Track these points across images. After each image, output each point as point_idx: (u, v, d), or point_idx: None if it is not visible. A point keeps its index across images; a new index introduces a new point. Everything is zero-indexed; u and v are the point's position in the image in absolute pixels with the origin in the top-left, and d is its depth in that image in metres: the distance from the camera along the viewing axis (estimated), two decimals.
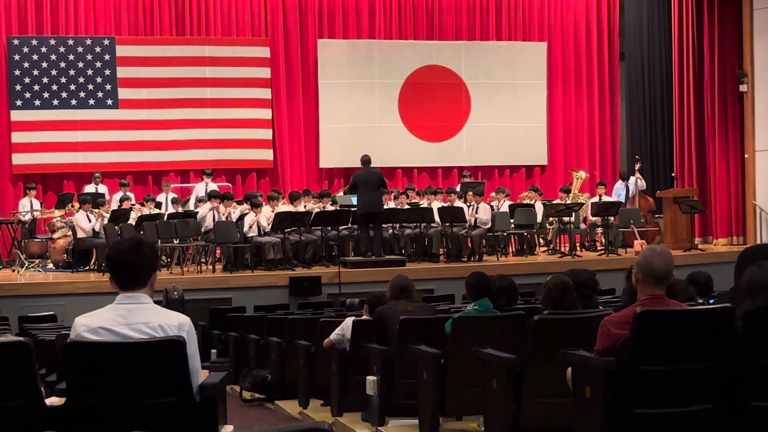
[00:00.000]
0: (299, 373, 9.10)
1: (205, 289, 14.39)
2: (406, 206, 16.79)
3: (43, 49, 18.68)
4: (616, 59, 21.96)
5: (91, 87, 18.94)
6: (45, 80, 18.68)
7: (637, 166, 18.91)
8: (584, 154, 21.66)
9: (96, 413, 4.07)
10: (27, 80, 18.60)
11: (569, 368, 4.84)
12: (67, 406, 4.15)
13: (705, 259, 16.13)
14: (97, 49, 18.97)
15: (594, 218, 17.70)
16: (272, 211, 15.58)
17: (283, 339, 9.84)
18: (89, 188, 17.75)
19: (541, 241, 18.05)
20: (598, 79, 21.74)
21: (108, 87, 19.03)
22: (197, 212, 15.96)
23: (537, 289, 10.39)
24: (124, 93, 19.09)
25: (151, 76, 19.23)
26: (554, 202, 17.75)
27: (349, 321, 8.07)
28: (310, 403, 8.94)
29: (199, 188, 17.99)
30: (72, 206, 16.59)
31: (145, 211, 16.29)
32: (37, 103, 18.64)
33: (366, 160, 15.46)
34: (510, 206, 17.12)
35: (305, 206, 16.23)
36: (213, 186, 17.61)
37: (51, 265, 16.22)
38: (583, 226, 17.88)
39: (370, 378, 7.11)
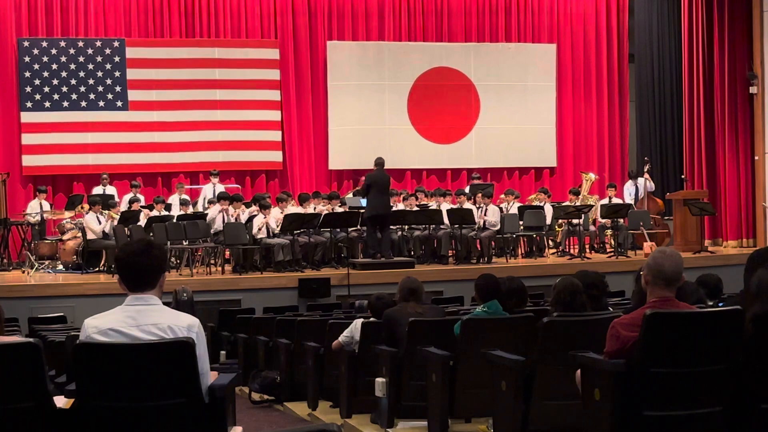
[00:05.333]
0: (308, 374, 9.10)
1: (215, 291, 14.41)
2: (415, 208, 16.79)
3: (53, 51, 18.73)
4: (626, 61, 21.93)
5: (100, 89, 18.99)
6: (55, 82, 18.74)
7: (646, 168, 18.89)
8: (593, 156, 21.64)
9: (105, 414, 4.08)
10: (37, 82, 18.65)
11: (578, 370, 4.83)
12: (76, 407, 4.16)
13: (715, 261, 16.10)
14: (107, 51, 19.02)
15: (603, 220, 17.68)
16: (281, 213, 15.59)
17: (292, 341, 9.84)
18: (97, 190, 17.81)
19: (550, 243, 18.03)
20: (607, 81, 21.71)
21: (118, 88, 19.07)
22: (206, 214, 16.00)
23: (546, 291, 10.38)
24: (133, 95, 19.14)
25: (161, 77, 19.28)
26: (563, 204, 17.73)
27: (358, 323, 8.07)
28: (319, 405, 8.94)
29: (207, 189, 18.03)
30: (82, 208, 16.63)
31: (155, 212, 16.32)
32: (47, 104, 18.69)
33: (380, 163, 15.43)
34: (519, 208, 17.13)
35: (314, 208, 16.24)
36: (220, 187, 17.64)
37: (61, 267, 16.27)
38: (592, 228, 17.86)
39: (379, 380, 7.11)
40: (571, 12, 21.58)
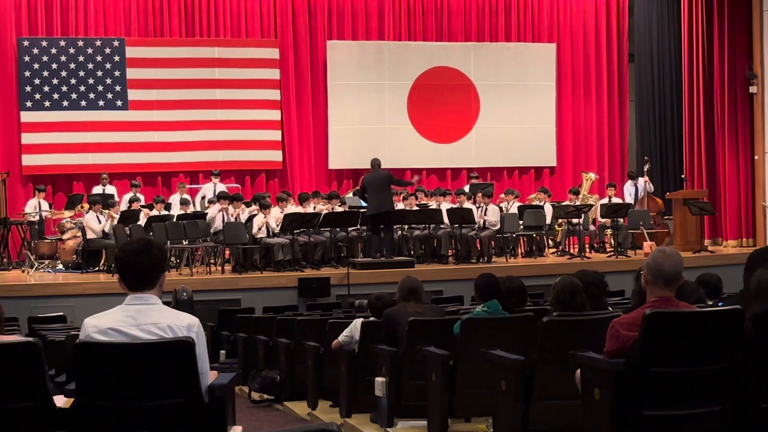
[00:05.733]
0: (308, 374, 9.10)
1: (214, 290, 14.41)
2: (415, 207, 16.79)
3: (53, 51, 18.73)
4: (626, 61, 21.93)
5: (100, 88, 18.99)
6: (55, 81, 18.73)
7: (646, 168, 18.89)
8: (593, 155, 21.64)
9: (105, 414, 4.07)
10: (37, 81, 18.65)
11: (578, 370, 4.83)
12: (76, 406, 4.16)
13: (714, 260, 16.09)
14: (107, 51, 19.02)
15: (603, 220, 17.68)
16: (281, 213, 15.60)
17: (292, 340, 9.85)
18: (97, 189, 17.80)
19: (550, 242, 18.04)
20: (607, 81, 21.72)
21: (117, 88, 19.07)
22: (205, 213, 15.99)
23: (546, 291, 10.39)
24: (133, 94, 19.14)
25: (161, 77, 19.28)
26: (563, 203, 17.73)
27: (357, 322, 8.07)
28: (318, 405, 8.95)
29: (207, 189, 18.04)
30: (81, 207, 16.63)
31: (154, 212, 16.32)
32: (47, 104, 18.69)
33: (375, 164, 15.44)
34: (519, 207, 17.12)
35: (314, 207, 16.25)
36: (221, 186, 17.64)
37: (61, 266, 16.26)
38: (592, 227, 17.86)
39: (379, 379, 7.11)
40: (571, 12, 21.59)
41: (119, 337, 4.07)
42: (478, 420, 6.91)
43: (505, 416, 5.79)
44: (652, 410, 4.37)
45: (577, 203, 17.45)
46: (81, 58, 18.88)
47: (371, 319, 8.08)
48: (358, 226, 15.92)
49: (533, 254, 17.24)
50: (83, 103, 18.91)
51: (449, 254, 16.47)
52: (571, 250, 17.17)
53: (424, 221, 16.46)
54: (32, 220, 16.62)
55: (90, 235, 15.61)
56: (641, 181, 18.84)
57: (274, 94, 20.02)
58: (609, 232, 17.88)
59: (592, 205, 17.97)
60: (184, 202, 16.99)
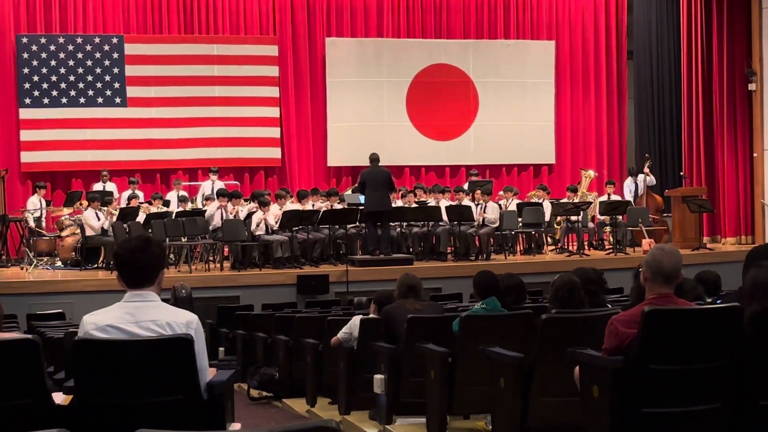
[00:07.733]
0: (307, 371, 9.10)
1: (213, 287, 14.41)
2: (414, 205, 16.78)
3: (52, 47, 18.71)
4: (624, 58, 21.92)
5: (99, 85, 18.97)
6: (54, 78, 18.71)
7: (647, 164, 18.90)
8: (592, 153, 21.64)
9: (104, 411, 4.07)
10: (36, 78, 18.64)
11: (577, 367, 4.83)
12: (75, 403, 4.16)
13: (713, 258, 16.10)
14: (106, 48, 19.00)
15: (602, 217, 17.69)
16: (280, 210, 15.60)
17: (291, 337, 9.85)
18: (97, 186, 17.80)
19: (549, 240, 18.04)
20: (606, 78, 21.71)
21: (116, 85, 19.06)
22: (205, 210, 15.99)
23: (545, 288, 10.38)
24: (132, 91, 19.12)
25: (160, 74, 19.25)
26: (562, 200, 17.73)
27: (356, 319, 8.08)
28: (317, 402, 8.95)
29: (206, 186, 18.04)
30: (80, 204, 16.63)
31: (153, 209, 16.32)
32: (46, 101, 18.68)
33: (374, 158, 15.45)
34: (518, 205, 17.13)
35: (313, 205, 16.24)
36: (219, 184, 17.66)
37: (59, 263, 16.26)
38: (591, 225, 17.87)
39: (378, 376, 7.10)
40: (570, 9, 21.58)
41: (118, 334, 4.07)
42: (477, 417, 6.91)
43: (503, 413, 5.79)
44: (651, 407, 4.37)
45: (576, 200, 17.46)
46: (80, 55, 18.86)
47: (371, 315, 8.09)
48: (357, 224, 15.91)
49: (532, 251, 17.25)
50: (82, 100, 18.89)
51: (448, 251, 16.47)
52: (570, 248, 17.17)
53: (422, 218, 16.47)
54: (33, 217, 16.58)
55: (89, 232, 15.61)
56: (642, 177, 18.85)
57: (273, 91, 20.00)
58: (608, 229, 17.88)
59: (590, 203, 17.98)
60: (182, 199, 17.00)
